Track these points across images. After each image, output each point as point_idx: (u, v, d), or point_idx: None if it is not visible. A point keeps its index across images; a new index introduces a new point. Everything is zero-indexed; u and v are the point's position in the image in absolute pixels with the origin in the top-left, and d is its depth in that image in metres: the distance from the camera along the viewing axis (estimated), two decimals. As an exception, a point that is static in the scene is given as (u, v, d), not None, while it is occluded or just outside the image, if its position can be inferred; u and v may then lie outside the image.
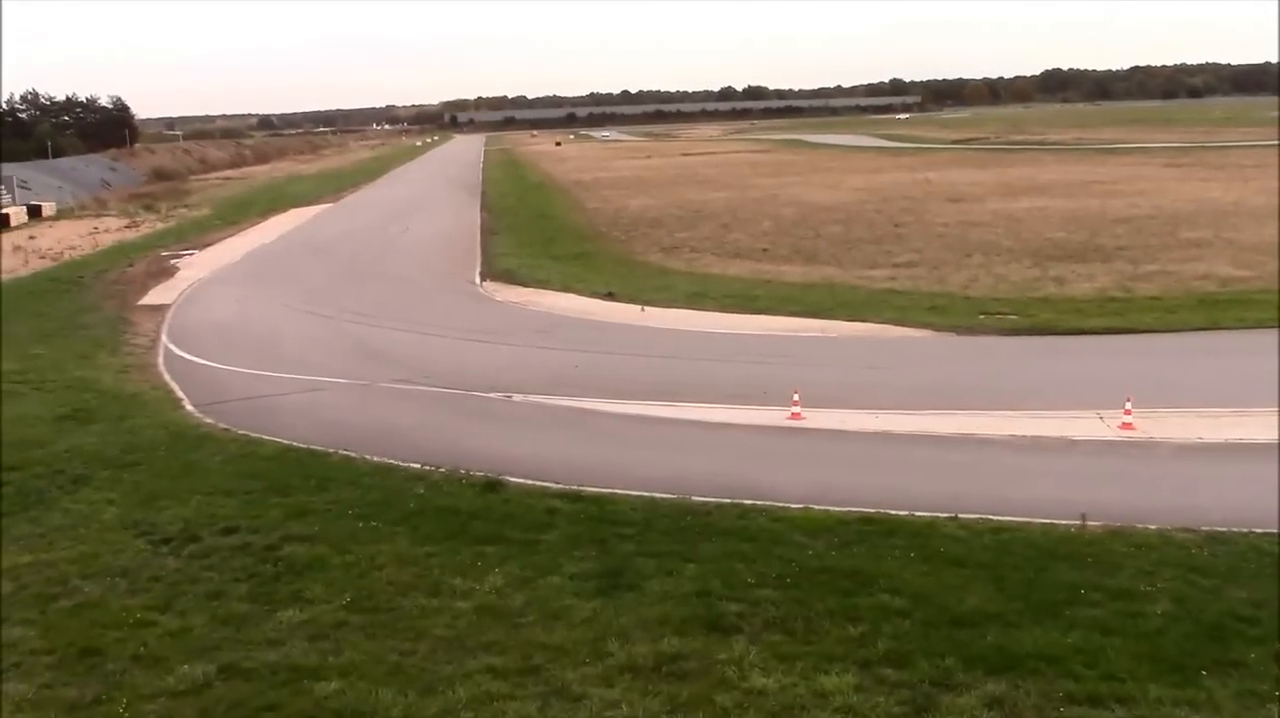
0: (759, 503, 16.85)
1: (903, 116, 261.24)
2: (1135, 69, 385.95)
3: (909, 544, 15.01)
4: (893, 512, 16.33)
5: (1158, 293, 33.26)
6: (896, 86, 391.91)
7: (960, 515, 16.09)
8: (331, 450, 20.41)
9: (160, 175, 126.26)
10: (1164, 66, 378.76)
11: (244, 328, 34.55)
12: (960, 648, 12.08)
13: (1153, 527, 15.44)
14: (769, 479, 18.22)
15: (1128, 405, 20.65)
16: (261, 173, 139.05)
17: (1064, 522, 15.61)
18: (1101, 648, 12.04)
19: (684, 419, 22.29)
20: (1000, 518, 15.93)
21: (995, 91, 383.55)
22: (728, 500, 16.97)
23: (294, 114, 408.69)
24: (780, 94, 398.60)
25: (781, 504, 16.78)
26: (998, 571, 14.07)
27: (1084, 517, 15.55)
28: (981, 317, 30.83)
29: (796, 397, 22.15)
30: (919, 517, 16.11)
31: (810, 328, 30.80)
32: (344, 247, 55.36)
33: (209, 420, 23.26)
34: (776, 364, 26.72)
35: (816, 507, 16.62)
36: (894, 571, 14.14)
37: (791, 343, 29.29)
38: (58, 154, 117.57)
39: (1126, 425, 20.28)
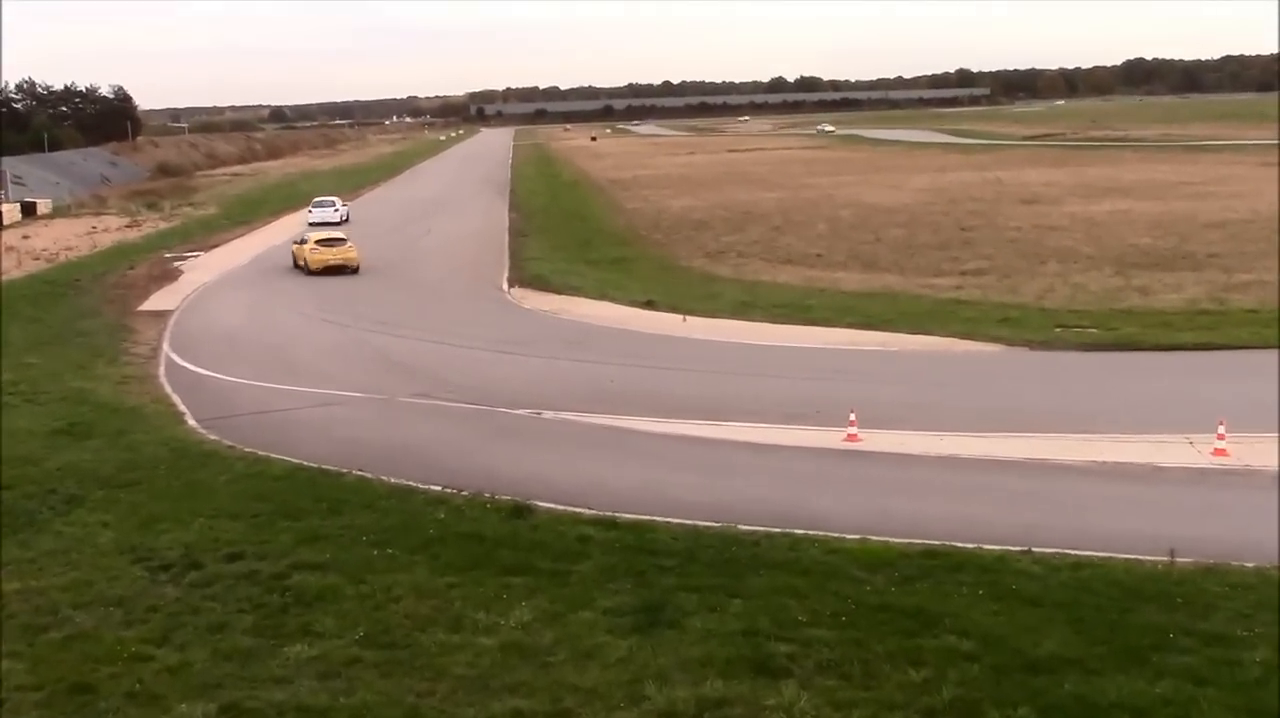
0: (812, 533, 16.81)
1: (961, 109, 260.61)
2: (1228, 59, 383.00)
3: (978, 581, 14.85)
4: (960, 544, 16.21)
5: (1254, 305, 32.98)
6: (963, 77, 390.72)
7: (1035, 549, 15.90)
8: (346, 471, 20.47)
9: (164, 171, 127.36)
10: (1259, 56, 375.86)
11: (253, 337, 34.79)
12: (1035, 697, 11.87)
13: (1249, 565, 15.21)
14: (823, 507, 18.19)
15: (1221, 429, 20.36)
16: (273, 169, 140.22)
17: (1150, 558, 15.41)
18: (1193, 699, 11.80)
19: (730, 440, 22.29)
20: (1080, 553, 15.75)
21: (1072, 83, 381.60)
22: (778, 530, 16.93)
23: (308, 105, 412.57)
24: (836, 85, 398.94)
25: (837, 535, 16.71)
26: (1077, 611, 13.87)
27: (1173, 553, 15.28)
28: (1058, 330, 30.71)
29: (853, 416, 22.04)
30: (989, 550, 15.96)
31: (869, 341, 30.83)
32: (363, 248, 55.48)
33: (213, 437, 23.36)
34: (831, 381, 26.73)
35: (875, 538, 16.55)
36: (961, 609, 13.98)
37: (848, 357, 29.27)
38: (55, 147, 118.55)
39: (1220, 452, 20.01)
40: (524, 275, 44.57)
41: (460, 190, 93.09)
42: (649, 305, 37.01)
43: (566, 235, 58.05)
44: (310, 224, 61.91)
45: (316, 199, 70.01)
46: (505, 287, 42.83)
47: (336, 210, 68.05)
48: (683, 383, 27.19)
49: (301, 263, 48.33)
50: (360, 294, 41.88)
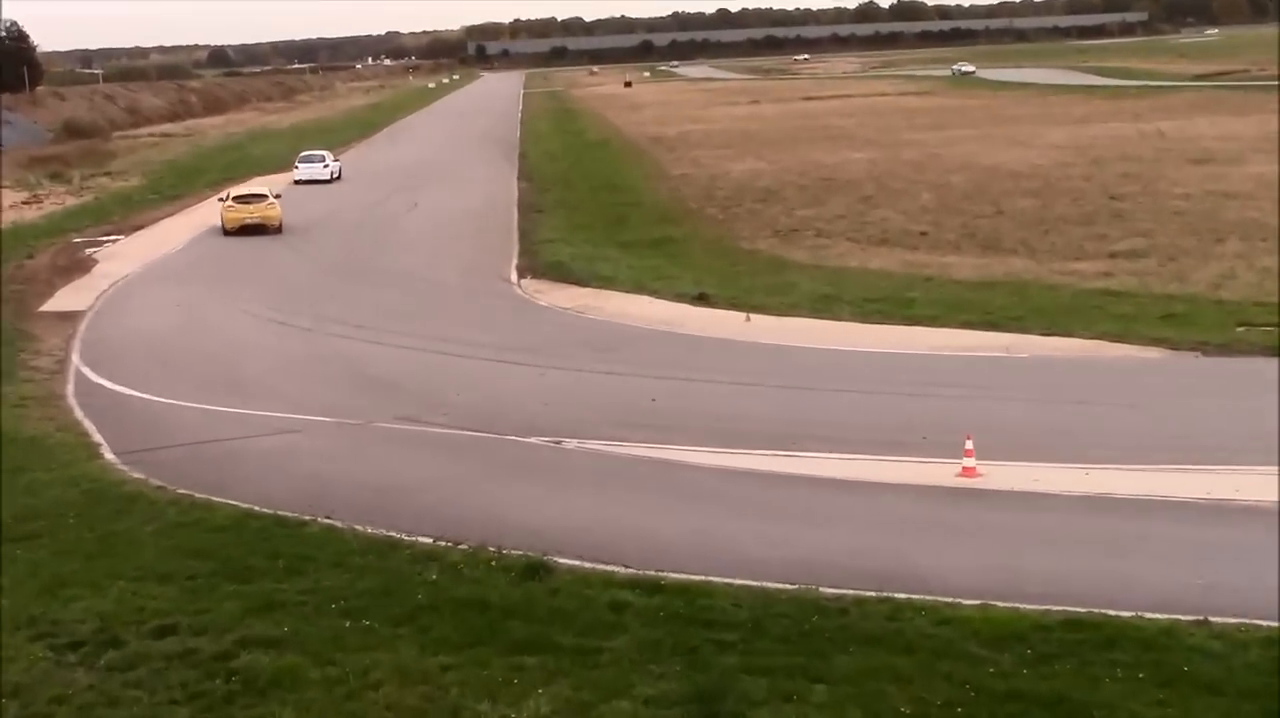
0: (917, 598, 16.80)
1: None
2: None
3: (1138, 661, 14.71)
4: (1113, 612, 16.08)
5: None
6: (1112, 0, 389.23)
7: (1214, 620, 15.77)
8: (310, 518, 20.63)
9: (72, 131, 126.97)
10: None
11: (189, 344, 34.92)
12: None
13: None
14: (932, 563, 18.20)
15: None
16: (214, 128, 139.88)
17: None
18: None
19: (809, 476, 22.32)
20: (1273, 625, 15.61)
21: (1259, 4, 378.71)
22: (872, 594, 16.92)
23: (258, 46, 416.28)
24: (944, 12, 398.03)
25: (950, 600, 16.70)
26: (1270, 702, 13.75)
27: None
28: (1240, 329, 30.67)
29: (970, 444, 21.97)
30: (1152, 620, 15.83)
31: (989, 345, 30.88)
32: (329, 230, 56.08)
33: (138, 475, 23.38)
34: (941, 397, 26.72)
35: (1001, 604, 16.51)
36: (1116, 699, 13.85)
37: (963, 366, 29.35)
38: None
39: None
40: (538, 263, 44.80)
41: (456, 153, 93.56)
42: (701, 301, 37.11)
43: (593, 211, 58.27)
44: (296, 182, 72.49)
45: (303, 154, 78.85)
46: (514, 277, 43.04)
47: (326, 166, 76.56)
48: (746, 402, 27.22)
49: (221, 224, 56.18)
50: (327, 290, 42.23)
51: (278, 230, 54.12)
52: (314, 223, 58.40)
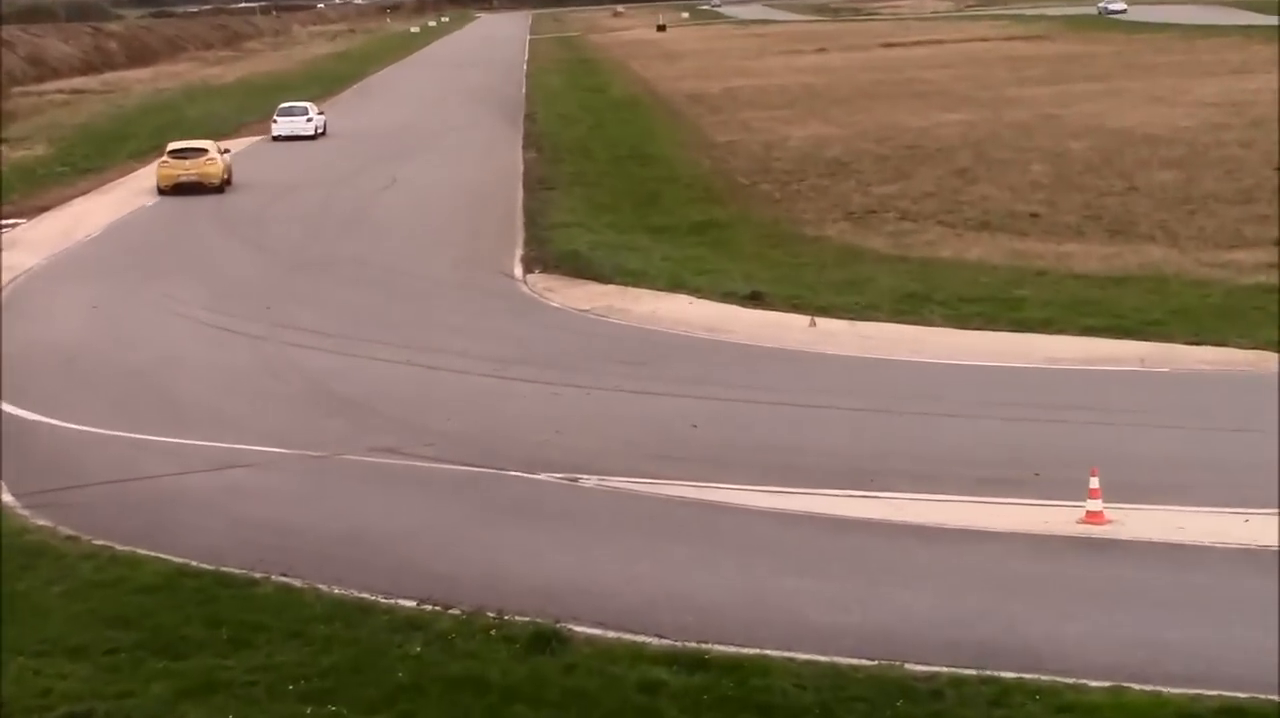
0: (1030, 678, 16.66)
1: None
2: None
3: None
4: (1280, 698, 16.40)
5: None
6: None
7: None
8: (261, 576, 20.69)
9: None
10: None
11: (109, 356, 35.02)
12: None
13: None
14: (1048, 634, 18.06)
15: None
16: (139, 83, 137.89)
17: None
18: None
19: (890, 522, 22.42)
20: None
21: None
22: (972, 672, 16.84)
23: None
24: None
25: (1072, 681, 16.56)
26: None
27: None
28: None
29: (1095, 482, 21.85)
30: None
31: (1120, 356, 30.85)
32: (285, 212, 56.33)
33: (44, 522, 23.40)
34: (1059, 422, 26.66)
35: (1137, 687, 16.38)
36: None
37: (1086, 383, 29.40)
38: None
39: None
40: (549, 253, 44.85)
41: (445, 115, 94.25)
42: (754, 300, 37.35)
43: (618, 187, 58.57)
44: (275, 139, 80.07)
45: (282, 105, 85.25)
46: (518, 271, 43.29)
47: (310, 120, 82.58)
48: (810, 428, 27.34)
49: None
50: (283, 285, 42.55)
51: (219, 190, 59.90)
52: (266, 201, 58.59)
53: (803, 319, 35.28)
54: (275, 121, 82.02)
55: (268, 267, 46.13)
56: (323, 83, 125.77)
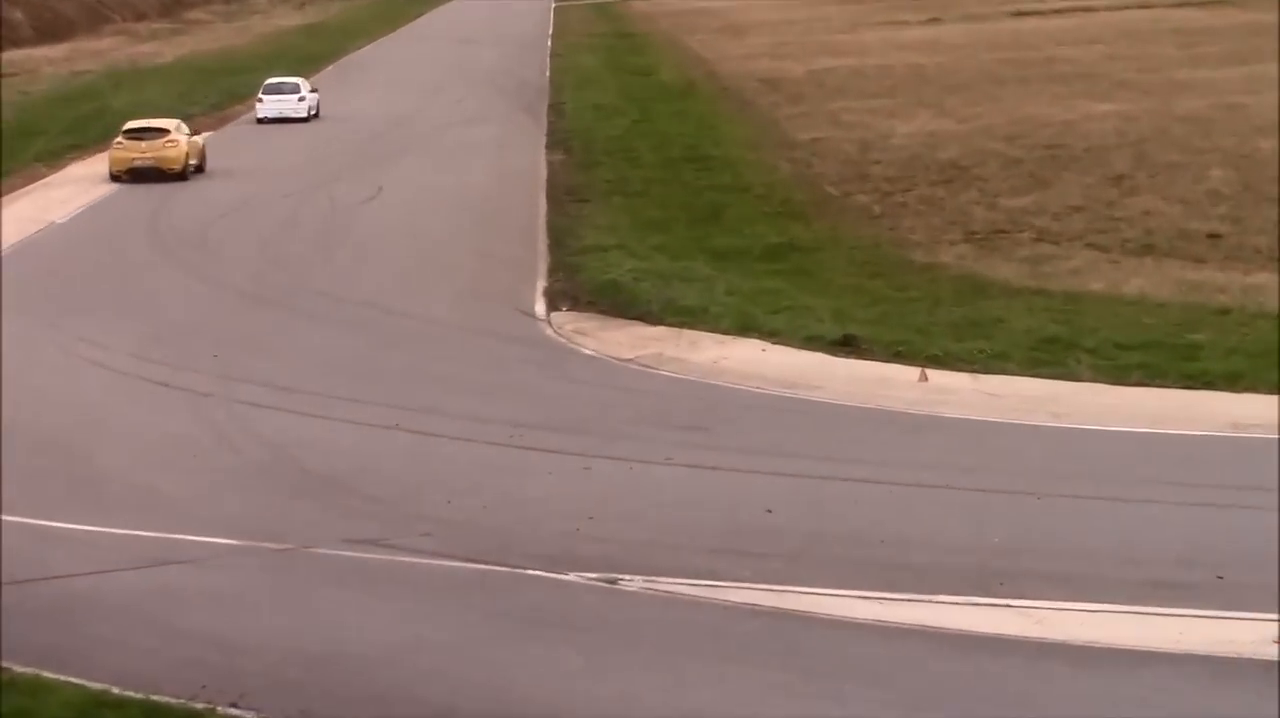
0: None
1: None
2: None
3: None
4: None
5: None
6: None
7: None
8: (204, 707, 19.83)
9: None
10: None
11: (8, 420, 33.00)
12: None
13: None
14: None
15: None
16: (51, 63, 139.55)
17: None
18: None
19: (1027, 640, 21.52)
20: None
21: None
22: None
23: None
24: None
25: None
26: None
27: None
28: None
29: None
30: None
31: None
32: (237, 230, 55.98)
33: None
34: (1248, 507, 25.74)
35: None
36: None
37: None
38: None
39: None
40: (580, 285, 44.44)
41: (448, 105, 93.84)
42: (847, 347, 36.94)
43: (670, 199, 57.58)
44: (260, 121, 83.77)
45: (269, 82, 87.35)
46: (540, 308, 42.69)
47: (302, 99, 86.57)
48: (921, 514, 26.40)
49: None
50: (235, 326, 41.67)
51: (181, 177, 63.48)
52: (212, 217, 58.28)
53: (910, 372, 35.02)
54: (260, 101, 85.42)
55: (215, 300, 45.02)
56: (288, 63, 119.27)
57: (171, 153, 62.65)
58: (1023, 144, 64.38)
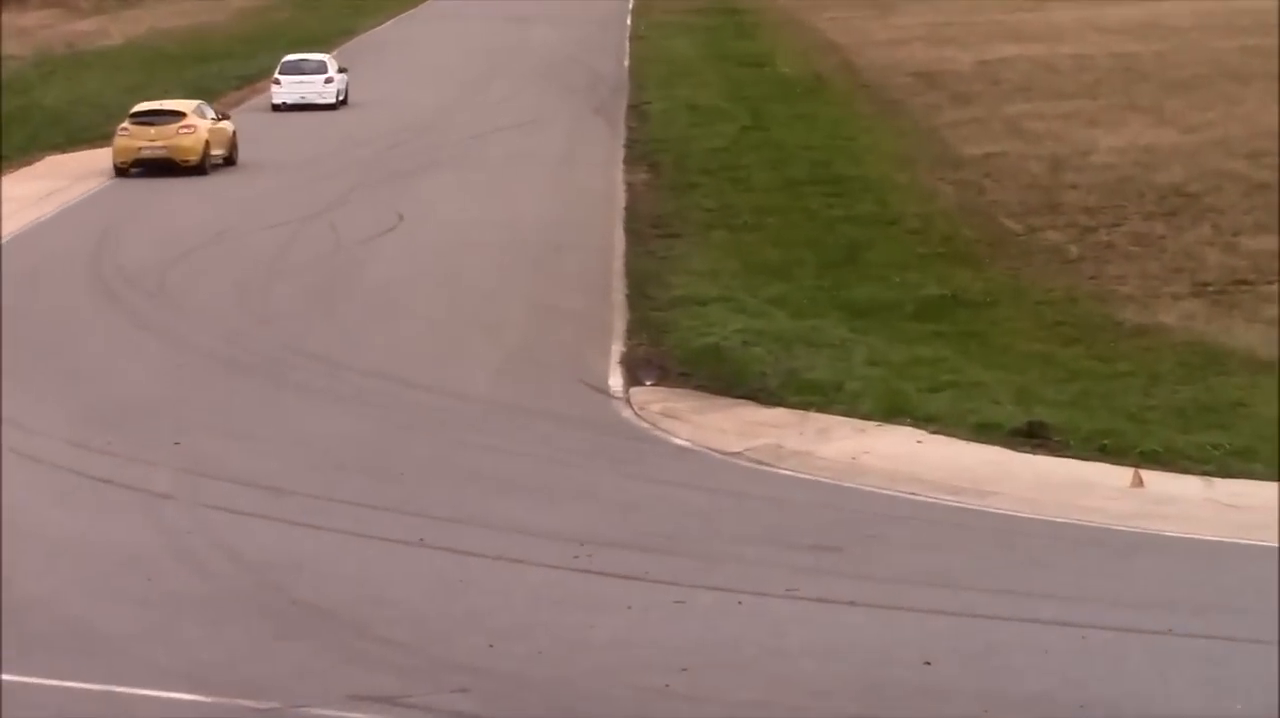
0: None
1: None
2: None
3: None
4: None
5: None
6: None
7: None
8: None
9: None
10: None
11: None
12: None
13: None
14: None
15: None
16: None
17: None
18: None
19: None
20: None
21: None
22: None
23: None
24: None
25: None
26: None
27: None
28: None
29: None
30: None
31: None
32: (211, 273, 51.05)
33: None
34: None
35: None
36: None
37: None
38: None
39: None
40: (670, 350, 40.44)
41: (490, 102, 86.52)
42: (1034, 439, 33.68)
43: (792, 235, 52.28)
44: (276, 107, 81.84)
45: (287, 59, 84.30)
46: (615, 382, 38.56)
47: (329, 80, 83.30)
48: (1138, 669, 23.06)
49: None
50: (203, 404, 37.74)
51: (198, 170, 61.60)
52: (177, 256, 52.79)
53: (1122, 473, 31.41)
54: (277, 83, 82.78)
55: (179, 367, 40.82)
56: (274, 47, 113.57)
57: (186, 141, 61.14)
58: (1270, 163, 57.96)
